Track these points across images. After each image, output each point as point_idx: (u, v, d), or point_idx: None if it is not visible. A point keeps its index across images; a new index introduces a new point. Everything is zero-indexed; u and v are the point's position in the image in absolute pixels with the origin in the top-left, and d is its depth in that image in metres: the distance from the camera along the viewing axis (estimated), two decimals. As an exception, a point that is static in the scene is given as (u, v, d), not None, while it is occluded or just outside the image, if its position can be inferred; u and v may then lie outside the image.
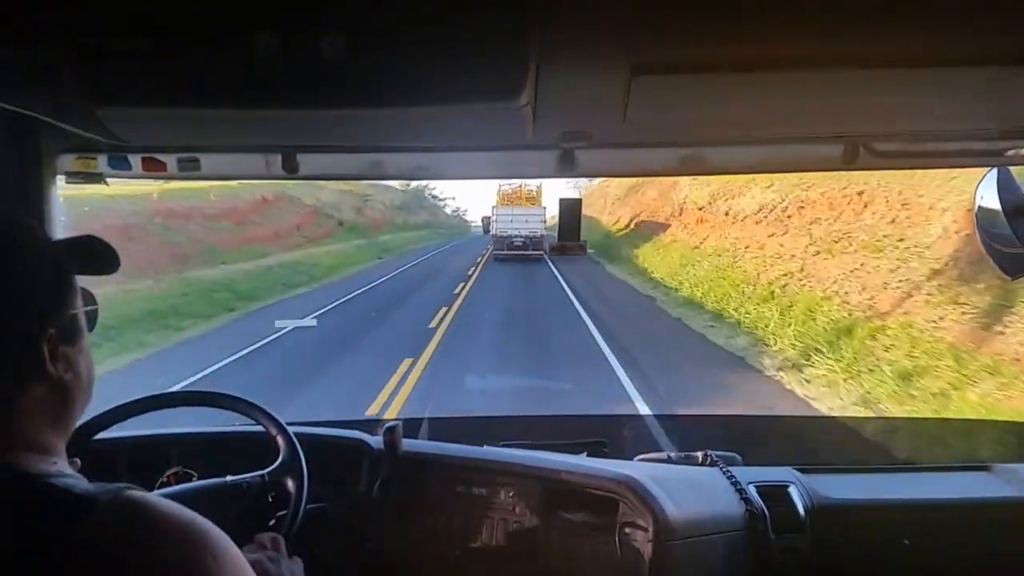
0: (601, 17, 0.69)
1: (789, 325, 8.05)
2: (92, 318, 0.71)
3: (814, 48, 0.73)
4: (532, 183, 23.59)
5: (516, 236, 20.69)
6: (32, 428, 0.58)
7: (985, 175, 1.06)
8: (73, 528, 0.50)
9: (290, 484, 1.11)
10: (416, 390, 6.00)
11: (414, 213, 43.18)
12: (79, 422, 1.12)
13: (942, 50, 0.72)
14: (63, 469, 0.58)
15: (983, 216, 1.05)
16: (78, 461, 0.95)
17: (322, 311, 11.17)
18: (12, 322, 0.56)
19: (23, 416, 0.57)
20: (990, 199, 1.03)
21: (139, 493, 0.54)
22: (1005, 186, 1.02)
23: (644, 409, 5.34)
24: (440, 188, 52.39)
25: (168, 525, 0.53)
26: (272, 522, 1.10)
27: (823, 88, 0.83)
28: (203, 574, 0.52)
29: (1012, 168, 1.06)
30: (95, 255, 0.69)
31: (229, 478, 1.11)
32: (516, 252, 20.31)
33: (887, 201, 9.03)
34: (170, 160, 1.18)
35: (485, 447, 1.37)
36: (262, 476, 1.12)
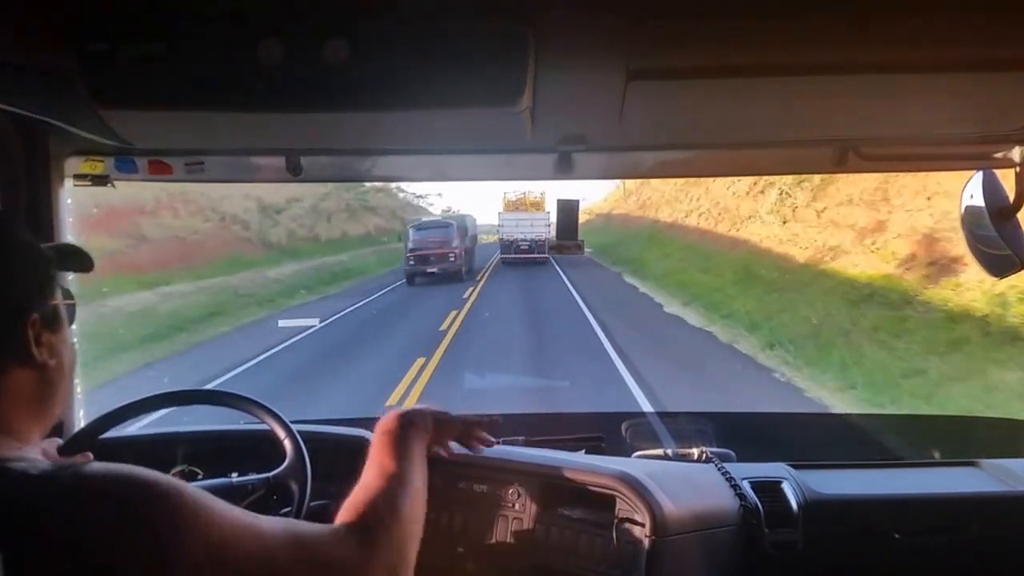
0: (598, 24, 0.71)
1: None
2: (71, 312, 0.75)
3: (804, 54, 0.75)
4: (536, 189, 24.48)
5: (522, 240, 21.38)
6: (7, 412, 0.59)
7: (971, 178, 1.08)
8: (32, 511, 0.50)
9: (294, 487, 1.13)
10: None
11: (350, 219, 25.74)
12: (88, 422, 1.14)
13: (929, 56, 0.75)
14: (25, 454, 0.58)
15: (969, 218, 1.07)
16: (90, 455, 0.98)
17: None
18: None
19: (1, 398, 0.58)
20: (976, 201, 1.05)
21: (99, 466, 0.54)
22: (990, 189, 1.05)
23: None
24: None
25: (130, 496, 0.52)
26: None
27: (813, 93, 0.86)
28: (170, 533, 0.52)
29: (997, 171, 1.09)
30: (72, 256, 0.78)
31: (235, 478, 1.13)
32: (522, 256, 20.90)
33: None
34: (176, 163, 1.20)
35: None
36: (267, 479, 1.13)
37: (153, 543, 0.51)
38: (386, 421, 0.92)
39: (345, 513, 0.70)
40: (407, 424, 0.92)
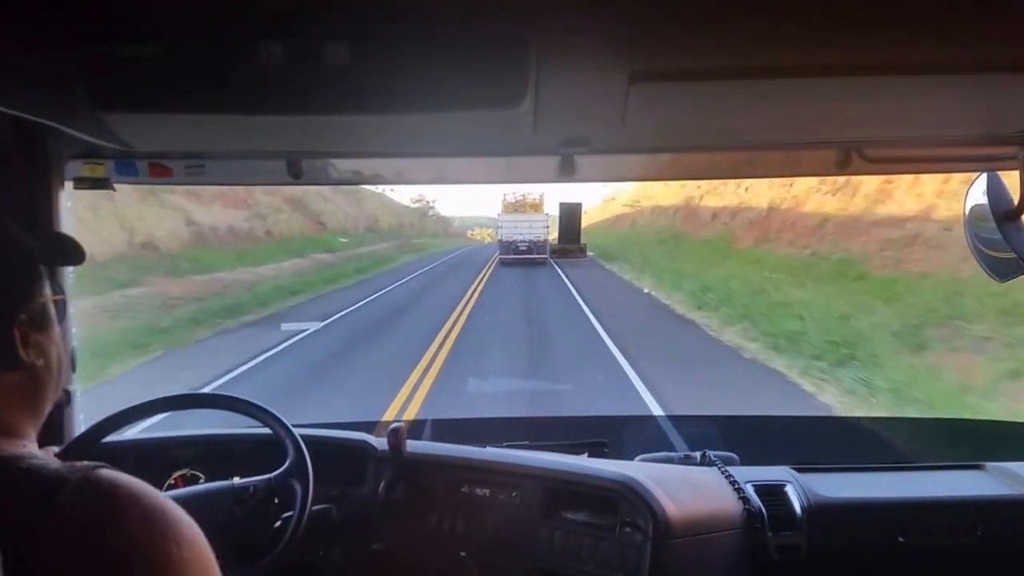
0: (600, 26, 0.70)
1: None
2: (61, 307, 0.74)
3: (807, 56, 0.75)
4: (536, 191, 24.62)
5: (521, 241, 21.74)
6: (2, 413, 0.58)
7: (975, 180, 1.08)
8: (41, 510, 0.50)
9: (296, 487, 1.13)
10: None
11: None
12: (88, 425, 1.14)
13: (933, 58, 0.75)
14: (32, 451, 0.58)
15: (973, 220, 1.07)
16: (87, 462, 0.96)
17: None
18: None
19: None
20: (980, 204, 1.05)
21: (109, 472, 0.54)
22: (994, 191, 1.04)
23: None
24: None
25: (135, 507, 0.52)
26: (278, 523, 1.11)
27: (816, 95, 0.85)
28: (165, 559, 0.52)
29: (1001, 173, 1.08)
30: (63, 249, 0.75)
31: (236, 481, 1.13)
32: (521, 256, 21.14)
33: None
34: (176, 166, 1.20)
35: (488, 448, 1.38)
36: (268, 480, 1.13)
37: (149, 568, 0.51)
38: None
39: None
40: None
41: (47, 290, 0.64)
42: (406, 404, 5.55)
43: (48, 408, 0.65)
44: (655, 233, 22.51)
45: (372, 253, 23.16)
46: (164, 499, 0.55)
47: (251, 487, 1.12)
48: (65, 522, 0.50)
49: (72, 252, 0.76)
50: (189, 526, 0.55)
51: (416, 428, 1.68)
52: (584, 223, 1.29)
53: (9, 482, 0.52)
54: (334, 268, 18.04)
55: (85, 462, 0.54)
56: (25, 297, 0.61)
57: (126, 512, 0.52)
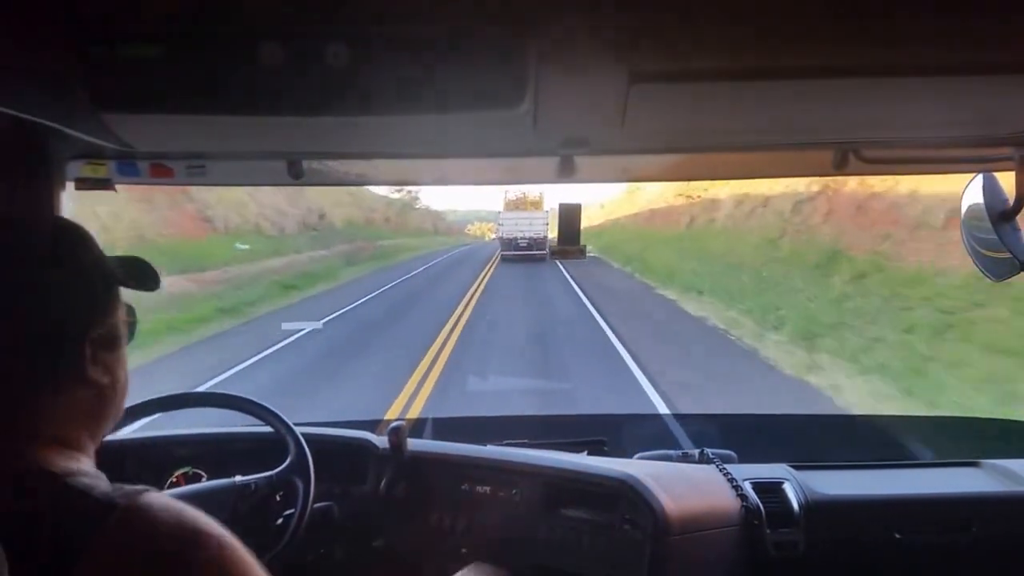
0: (600, 27, 0.71)
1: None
2: (132, 330, 0.74)
3: (806, 58, 0.76)
4: (535, 190, 24.98)
5: (521, 238, 22.20)
6: (64, 427, 0.59)
7: (971, 180, 1.08)
8: (90, 532, 0.50)
9: (298, 484, 1.14)
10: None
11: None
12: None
13: (931, 60, 0.75)
14: (84, 467, 0.58)
15: (969, 220, 1.08)
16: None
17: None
18: (57, 323, 0.59)
19: (57, 415, 0.59)
20: (976, 204, 1.06)
21: (155, 497, 0.54)
22: (991, 191, 1.05)
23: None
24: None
25: (183, 534, 0.53)
26: (280, 521, 1.12)
27: (815, 96, 0.86)
28: None
29: (997, 174, 1.09)
30: (141, 274, 0.73)
31: (238, 479, 1.14)
32: (522, 252, 21.37)
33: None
34: (177, 166, 1.20)
35: (488, 446, 1.39)
36: (270, 477, 1.14)
37: None
38: None
39: None
40: None
41: (121, 312, 0.66)
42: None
43: (109, 427, 0.66)
44: (767, 243, 12.43)
45: (290, 268, 14.50)
46: (211, 523, 0.55)
47: (253, 484, 1.13)
48: (112, 547, 0.50)
49: (147, 277, 0.72)
50: (238, 548, 0.56)
51: (417, 427, 1.69)
52: (602, 219, 1.30)
53: (56, 499, 0.53)
54: (171, 311, 9.08)
55: (135, 486, 0.55)
56: (100, 317, 0.62)
57: (175, 538, 0.52)
